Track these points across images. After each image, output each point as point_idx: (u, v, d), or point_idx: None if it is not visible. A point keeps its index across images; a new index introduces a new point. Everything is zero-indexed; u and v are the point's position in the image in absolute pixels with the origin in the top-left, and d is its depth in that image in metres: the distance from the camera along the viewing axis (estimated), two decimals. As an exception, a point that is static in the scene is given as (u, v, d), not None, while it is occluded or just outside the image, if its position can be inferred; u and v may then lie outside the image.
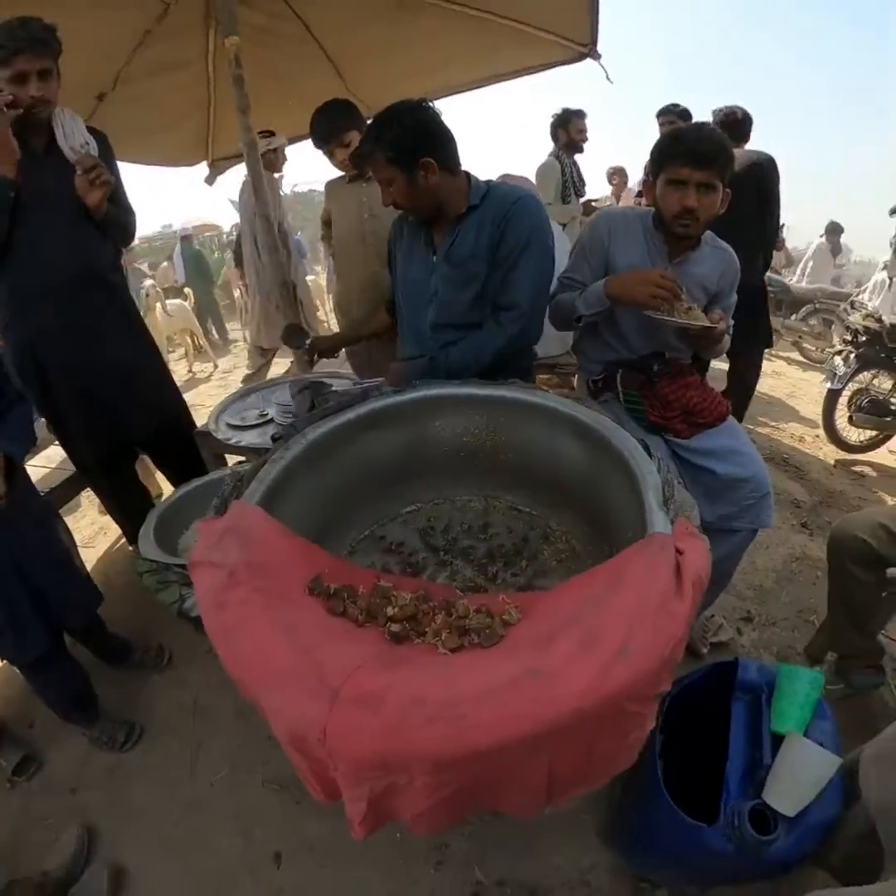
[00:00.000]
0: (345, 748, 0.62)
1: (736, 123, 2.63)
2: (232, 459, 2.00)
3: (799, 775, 0.92)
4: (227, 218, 11.18)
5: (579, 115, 3.61)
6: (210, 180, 3.28)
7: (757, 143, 2.73)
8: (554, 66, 2.69)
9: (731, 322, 1.52)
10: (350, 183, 2.12)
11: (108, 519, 2.72)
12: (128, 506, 2.09)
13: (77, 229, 1.62)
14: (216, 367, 5.95)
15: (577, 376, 2.31)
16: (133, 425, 1.88)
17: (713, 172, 1.32)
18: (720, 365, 3.19)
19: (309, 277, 5.46)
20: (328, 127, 1.98)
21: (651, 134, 2.79)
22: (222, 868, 1.36)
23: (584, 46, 2.44)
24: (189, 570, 0.86)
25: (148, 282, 5.68)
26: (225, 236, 10.49)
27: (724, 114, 2.65)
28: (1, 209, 1.48)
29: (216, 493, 1.02)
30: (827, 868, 0.97)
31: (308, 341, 1.89)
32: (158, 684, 1.85)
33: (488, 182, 1.45)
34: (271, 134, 3.04)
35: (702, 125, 1.40)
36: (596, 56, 2.45)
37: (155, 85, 2.42)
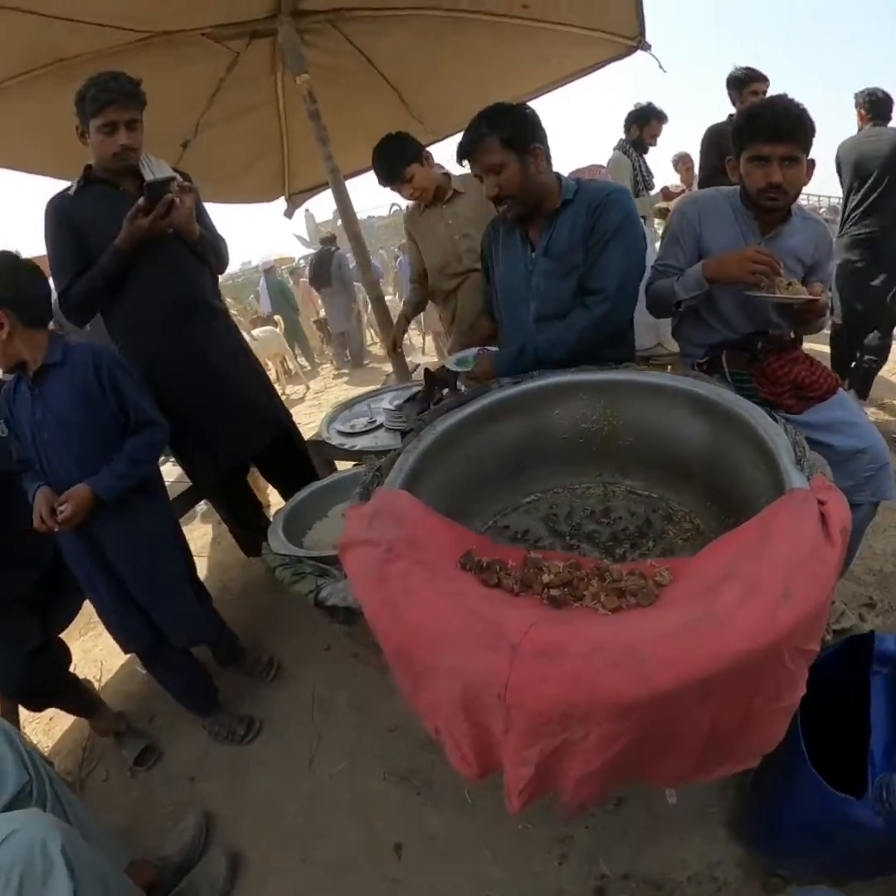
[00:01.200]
0: (527, 700, 0.64)
1: (878, 103, 2.68)
2: (341, 466, 2.14)
3: None
4: (296, 250, 13.05)
5: (660, 117, 3.50)
6: (289, 214, 3.50)
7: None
8: (607, 64, 2.74)
9: (831, 294, 1.49)
10: (427, 209, 2.16)
11: (221, 530, 2.90)
12: (242, 516, 2.23)
13: (177, 260, 1.75)
14: (308, 388, 6.34)
15: (670, 368, 2.30)
16: (249, 441, 1.99)
17: (795, 145, 1.31)
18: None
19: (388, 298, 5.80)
20: (388, 167, 2.02)
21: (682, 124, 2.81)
22: (342, 858, 1.38)
23: (632, 39, 2.48)
24: (340, 553, 0.91)
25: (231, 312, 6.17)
26: (295, 266, 11.24)
27: (868, 94, 2.70)
28: (119, 268, 1.63)
29: (353, 485, 1.10)
30: None
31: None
32: (275, 683, 1.94)
33: (577, 179, 1.50)
34: None
35: (775, 99, 1.38)
36: (646, 47, 2.48)
37: (232, 128, 2.64)
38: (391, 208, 12.10)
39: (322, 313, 7.65)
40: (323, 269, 6.63)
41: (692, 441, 1.22)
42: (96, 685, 2.09)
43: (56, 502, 1.39)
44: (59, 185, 1.71)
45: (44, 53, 1.84)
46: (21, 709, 1.73)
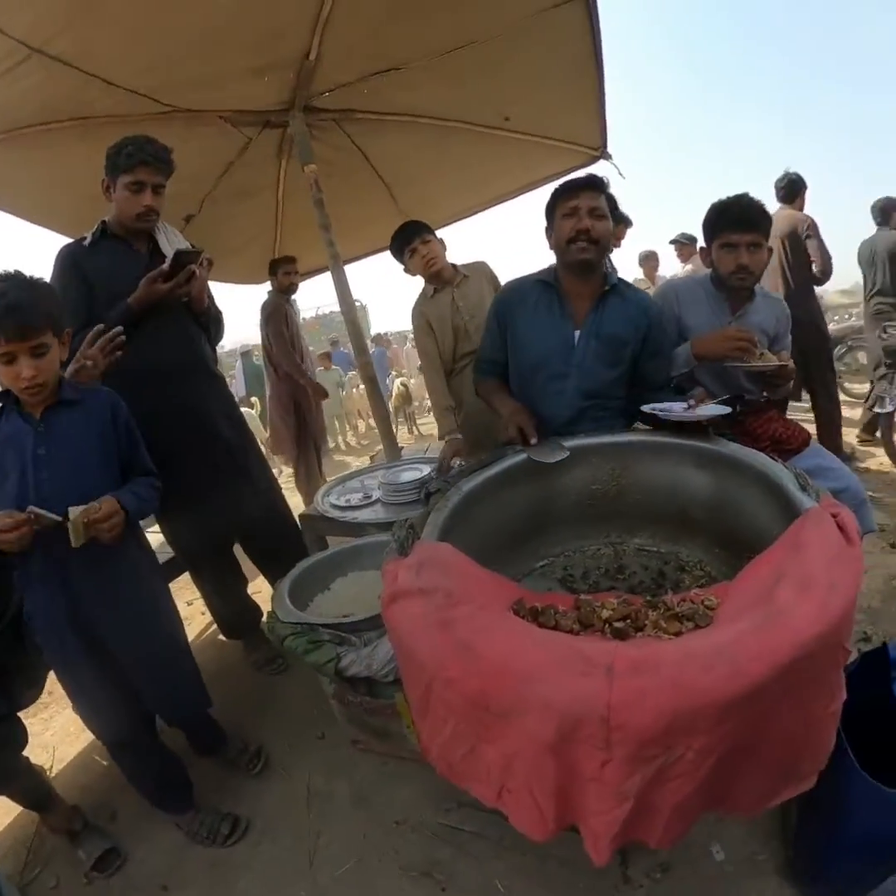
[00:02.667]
0: (633, 717, 0.64)
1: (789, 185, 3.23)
2: (332, 542, 2.07)
3: None
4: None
5: (627, 222, 3.60)
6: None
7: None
8: (574, 170, 3.08)
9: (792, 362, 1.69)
10: (437, 293, 2.28)
11: (193, 609, 2.72)
12: (226, 591, 2.11)
13: (181, 325, 1.80)
14: (282, 471, 6.00)
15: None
16: (241, 508, 1.92)
17: (758, 233, 1.58)
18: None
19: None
20: (411, 231, 2.20)
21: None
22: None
23: (596, 150, 2.89)
24: (386, 606, 0.88)
25: None
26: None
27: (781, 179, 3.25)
28: (127, 326, 1.61)
29: (355, 558, 1.07)
30: None
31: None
32: (263, 776, 1.75)
33: (614, 274, 1.67)
34: (292, 260, 3.36)
35: (740, 196, 1.64)
36: (607, 156, 2.89)
37: (233, 209, 2.78)
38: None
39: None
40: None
41: (697, 492, 1.30)
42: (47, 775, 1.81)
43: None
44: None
45: (72, 108, 1.90)
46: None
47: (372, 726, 1.61)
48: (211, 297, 1.90)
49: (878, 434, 3.66)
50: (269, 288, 3.47)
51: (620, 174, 2.85)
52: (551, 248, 1.60)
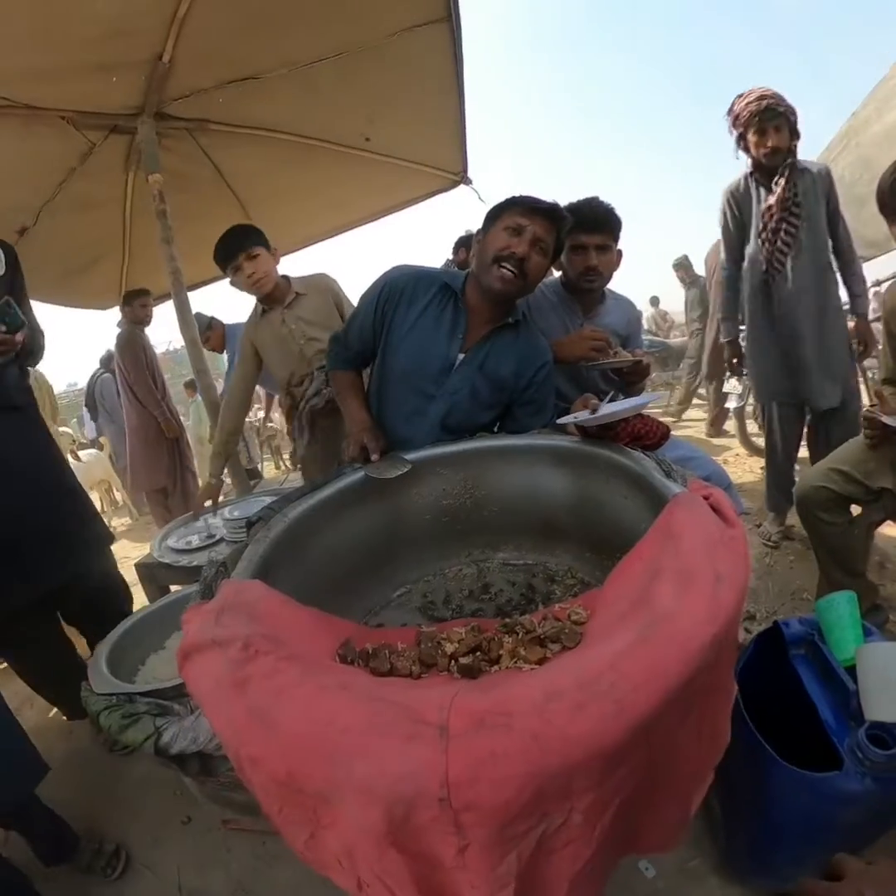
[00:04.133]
0: (482, 792, 0.46)
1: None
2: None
3: (886, 677, 0.90)
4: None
5: None
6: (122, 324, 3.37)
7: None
8: (435, 194, 3.18)
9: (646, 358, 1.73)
10: (267, 314, 2.02)
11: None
12: (50, 665, 1.72)
13: None
14: (135, 519, 5.45)
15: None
16: (52, 567, 1.58)
17: (607, 235, 1.58)
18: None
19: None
20: (236, 241, 1.88)
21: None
22: None
23: (457, 175, 2.95)
24: (180, 665, 0.71)
25: (63, 429, 5.38)
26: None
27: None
28: None
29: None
30: None
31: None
32: (125, 878, 1.42)
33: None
34: (147, 293, 3.25)
35: (590, 199, 1.62)
36: (468, 181, 2.97)
37: (74, 222, 2.50)
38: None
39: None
40: (89, 398, 5.37)
41: (557, 494, 1.23)
42: None
43: None
44: None
45: None
46: None
47: (238, 802, 1.38)
48: (30, 322, 1.57)
49: (725, 427, 4.46)
50: (120, 320, 3.32)
51: (480, 199, 2.91)
52: (472, 255, 1.41)
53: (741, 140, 2.08)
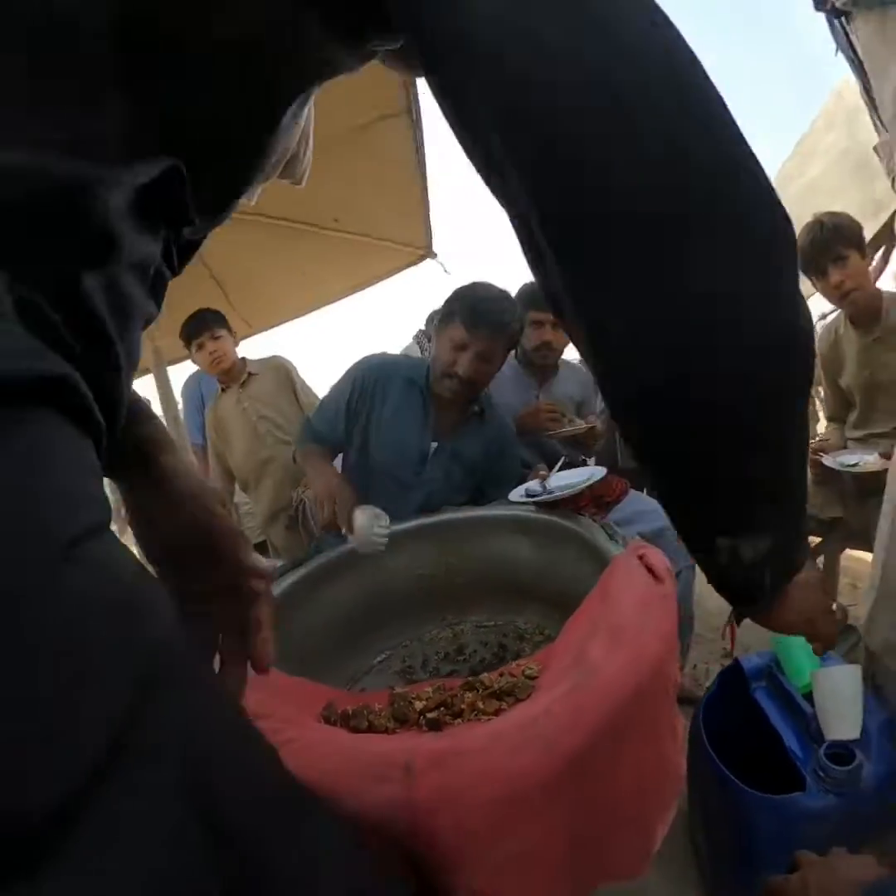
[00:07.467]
0: (443, 820, 0.55)
1: None
2: None
3: (840, 698, 0.96)
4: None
5: None
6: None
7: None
8: (405, 269, 3.36)
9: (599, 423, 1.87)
10: (223, 394, 2.18)
11: None
12: None
13: None
14: None
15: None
16: None
17: None
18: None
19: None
20: (203, 320, 2.11)
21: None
22: None
23: (422, 249, 3.11)
24: None
25: None
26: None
27: None
28: None
29: None
30: None
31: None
32: None
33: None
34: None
35: None
36: (433, 255, 3.14)
37: None
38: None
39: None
40: None
41: (521, 559, 1.33)
42: None
43: None
44: None
45: None
46: None
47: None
48: None
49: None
50: None
51: (446, 270, 3.12)
52: (430, 354, 1.52)
53: None
